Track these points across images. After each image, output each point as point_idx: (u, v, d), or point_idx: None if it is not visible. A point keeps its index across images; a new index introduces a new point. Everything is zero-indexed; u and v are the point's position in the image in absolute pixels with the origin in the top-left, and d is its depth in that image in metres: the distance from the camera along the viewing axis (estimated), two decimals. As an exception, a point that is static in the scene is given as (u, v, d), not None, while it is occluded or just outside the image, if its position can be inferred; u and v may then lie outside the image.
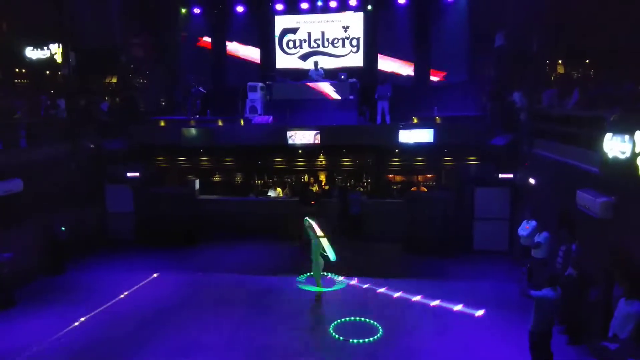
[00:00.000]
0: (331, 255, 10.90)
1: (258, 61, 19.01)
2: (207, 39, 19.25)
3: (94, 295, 11.24)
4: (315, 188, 16.97)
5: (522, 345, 8.33)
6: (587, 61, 15.21)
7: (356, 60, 18.33)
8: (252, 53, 19.10)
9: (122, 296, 11.17)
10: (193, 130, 15.25)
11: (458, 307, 10.11)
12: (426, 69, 17.79)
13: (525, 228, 11.20)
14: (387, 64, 18.07)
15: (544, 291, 7.09)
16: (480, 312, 9.86)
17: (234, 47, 19.16)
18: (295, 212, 14.52)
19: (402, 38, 17.96)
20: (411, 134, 14.57)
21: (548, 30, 12.42)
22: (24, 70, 19.09)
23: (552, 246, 9.95)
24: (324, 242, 10.91)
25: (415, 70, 17.98)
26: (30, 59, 18.23)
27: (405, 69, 18.02)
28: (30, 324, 9.80)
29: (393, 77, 17.59)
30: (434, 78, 17.68)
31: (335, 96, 15.56)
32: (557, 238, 9.77)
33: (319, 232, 10.95)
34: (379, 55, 18.14)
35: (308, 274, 11.76)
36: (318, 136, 14.64)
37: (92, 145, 14.74)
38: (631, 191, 6.98)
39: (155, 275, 12.40)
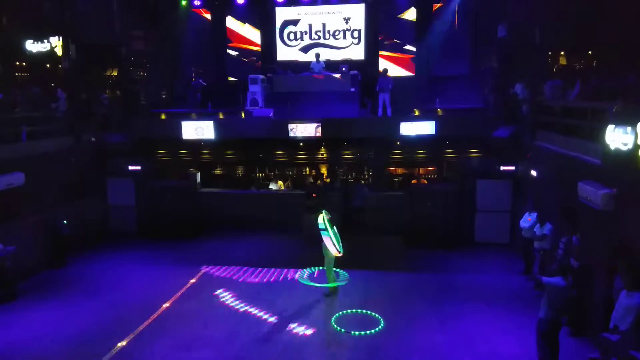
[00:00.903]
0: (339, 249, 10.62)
1: (259, 47, 18.96)
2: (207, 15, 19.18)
3: (96, 289, 11.28)
4: (318, 182, 16.96)
5: (525, 337, 8.39)
6: (590, 53, 15.14)
7: (357, 52, 18.27)
8: (252, 37, 19.07)
9: (124, 289, 11.21)
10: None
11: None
12: (428, 61, 17.73)
13: (527, 220, 11.20)
14: (388, 65, 18.01)
15: (555, 279, 7.09)
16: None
17: (234, 26, 19.10)
18: (296, 205, 14.56)
19: (404, 30, 17.89)
20: (413, 127, 14.53)
21: (550, 22, 12.35)
22: (24, 64, 19.07)
23: (555, 237, 9.94)
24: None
25: (416, 62, 17.92)
26: (31, 52, 18.19)
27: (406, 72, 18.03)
28: (33, 317, 9.83)
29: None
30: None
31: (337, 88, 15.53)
32: (559, 230, 9.76)
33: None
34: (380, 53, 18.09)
35: (310, 268, 11.66)
36: (319, 129, 14.61)
37: (93, 139, 14.73)
38: (633, 183, 6.96)
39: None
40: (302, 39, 18.59)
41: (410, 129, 14.54)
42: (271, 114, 15.59)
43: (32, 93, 14.35)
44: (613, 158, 7.23)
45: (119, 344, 8.71)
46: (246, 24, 18.97)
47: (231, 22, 19.06)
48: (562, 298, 7.14)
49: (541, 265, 10.11)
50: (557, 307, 7.15)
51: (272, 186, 16.89)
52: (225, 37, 19.09)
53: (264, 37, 18.92)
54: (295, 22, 18.58)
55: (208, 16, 19.11)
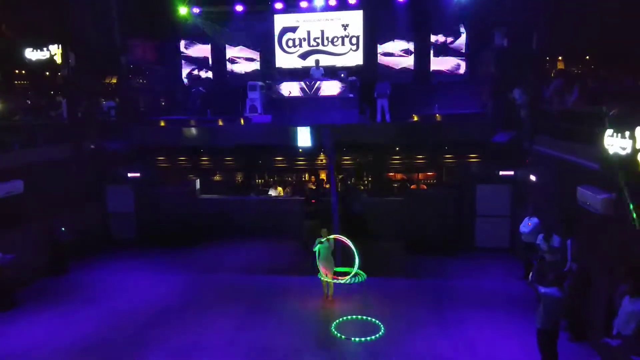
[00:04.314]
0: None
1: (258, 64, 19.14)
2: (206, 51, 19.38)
3: (95, 296, 11.26)
4: (315, 186, 16.95)
5: (525, 343, 8.37)
6: (587, 57, 15.18)
7: (356, 58, 18.33)
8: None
9: (123, 296, 11.19)
10: (193, 130, 15.23)
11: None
12: (426, 66, 17.79)
13: (527, 225, 11.19)
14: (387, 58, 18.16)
15: (551, 289, 7.07)
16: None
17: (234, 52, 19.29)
18: (296, 211, 14.53)
19: (402, 36, 17.97)
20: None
21: (547, 27, 12.39)
22: (23, 72, 19.10)
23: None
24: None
25: (415, 68, 17.98)
26: (30, 60, 18.22)
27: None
28: (32, 325, 9.81)
29: (391, 71, 17.67)
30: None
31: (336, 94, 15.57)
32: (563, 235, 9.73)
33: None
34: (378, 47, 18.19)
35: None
36: None
37: (92, 146, 14.74)
38: (632, 187, 6.95)
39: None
40: (300, 45, 18.65)
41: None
42: (270, 120, 15.63)
43: (32, 101, 14.37)
44: (612, 162, 7.24)
45: (119, 352, 8.68)
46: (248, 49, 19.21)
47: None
48: (558, 308, 7.13)
49: (538, 273, 10.06)
50: (554, 317, 7.13)
51: (272, 192, 16.88)
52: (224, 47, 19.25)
53: (262, 44, 18.98)
54: (293, 29, 18.64)
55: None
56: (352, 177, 17.50)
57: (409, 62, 18.04)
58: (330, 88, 15.49)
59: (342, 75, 15.97)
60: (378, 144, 15.88)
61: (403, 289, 11.36)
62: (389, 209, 14.79)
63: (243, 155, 17.38)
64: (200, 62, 19.47)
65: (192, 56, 19.49)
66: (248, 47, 19.10)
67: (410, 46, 17.98)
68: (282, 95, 15.81)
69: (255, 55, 19.12)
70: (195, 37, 19.22)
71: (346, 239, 10.33)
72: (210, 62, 19.44)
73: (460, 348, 8.62)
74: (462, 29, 17.32)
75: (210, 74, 19.38)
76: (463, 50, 17.44)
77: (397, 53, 18.11)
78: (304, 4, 18.15)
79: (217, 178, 18.19)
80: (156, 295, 11.23)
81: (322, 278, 10.63)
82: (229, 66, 19.34)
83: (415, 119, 15.41)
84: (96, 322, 9.88)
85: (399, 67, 18.07)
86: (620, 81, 9.94)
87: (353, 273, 10.16)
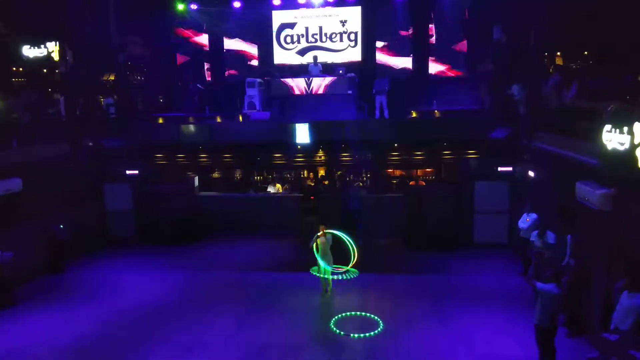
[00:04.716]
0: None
1: (256, 57, 19.06)
2: (204, 39, 19.28)
3: (94, 294, 11.27)
4: (313, 183, 16.95)
5: (523, 339, 8.39)
6: (586, 53, 15.15)
7: (354, 54, 18.30)
8: (250, 49, 19.21)
9: (122, 294, 11.19)
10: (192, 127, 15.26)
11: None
12: (425, 63, 17.78)
13: (525, 221, 11.21)
14: (385, 57, 18.13)
15: (549, 286, 7.09)
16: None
17: (232, 44, 19.21)
18: (294, 207, 14.54)
19: (400, 32, 17.94)
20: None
21: (546, 23, 12.37)
22: (21, 69, 19.01)
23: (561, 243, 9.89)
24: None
25: (413, 65, 17.96)
26: (28, 58, 18.14)
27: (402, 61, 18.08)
28: (31, 323, 9.81)
29: (391, 70, 17.64)
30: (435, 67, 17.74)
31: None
32: (559, 231, 9.76)
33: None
34: (376, 51, 18.16)
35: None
36: None
37: (90, 144, 14.71)
38: (631, 183, 6.96)
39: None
40: (299, 42, 18.60)
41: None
42: (268, 117, 15.62)
43: (30, 98, 14.30)
44: (610, 158, 7.25)
45: (118, 349, 8.69)
46: (246, 42, 19.12)
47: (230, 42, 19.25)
48: (556, 304, 7.15)
49: (536, 269, 10.09)
50: (551, 313, 7.16)
51: (271, 189, 16.88)
52: (222, 43, 19.20)
53: (260, 40, 18.94)
54: (292, 25, 18.59)
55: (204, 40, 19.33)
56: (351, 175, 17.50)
57: (407, 58, 18.03)
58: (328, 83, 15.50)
59: (341, 71, 15.95)
60: (378, 141, 15.87)
61: (402, 285, 11.39)
62: (388, 205, 14.80)
63: (242, 152, 17.37)
64: (198, 59, 19.43)
65: (190, 53, 19.43)
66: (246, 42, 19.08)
67: (408, 43, 17.96)
68: (280, 91, 15.79)
69: (254, 51, 19.09)
70: (193, 35, 19.18)
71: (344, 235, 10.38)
72: (208, 59, 19.40)
73: (458, 344, 8.64)
74: (461, 25, 17.29)
75: (207, 72, 19.33)
76: (461, 47, 17.43)
77: (394, 50, 18.08)
78: (302, 0, 18.11)
79: (216, 175, 18.19)
80: (155, 293, 11.23)
81: (315, 273, 10.71)
82: (227, 64, 19.31)
83: (414, 115, 15.40)
84: (95, 319, 9.89)
85: (398, 63, 18.06)
86: (619, 77, 9.92)
87: (345, 270, 10.32)
